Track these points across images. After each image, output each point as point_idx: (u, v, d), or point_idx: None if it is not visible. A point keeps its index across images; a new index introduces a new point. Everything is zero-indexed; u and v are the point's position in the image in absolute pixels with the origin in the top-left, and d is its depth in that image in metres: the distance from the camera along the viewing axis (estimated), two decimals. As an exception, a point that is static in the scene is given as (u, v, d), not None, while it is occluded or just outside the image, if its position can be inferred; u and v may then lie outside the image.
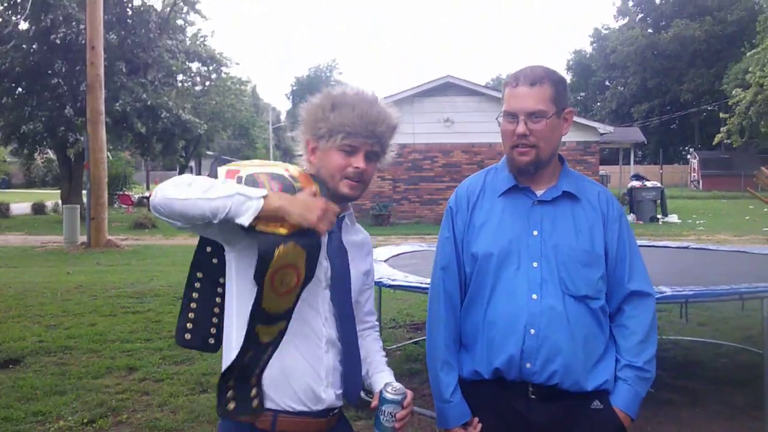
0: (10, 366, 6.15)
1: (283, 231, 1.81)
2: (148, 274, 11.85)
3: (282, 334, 1.94)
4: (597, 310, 2.15)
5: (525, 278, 2.13)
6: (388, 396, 2.02)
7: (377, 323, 2.32)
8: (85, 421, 4.80)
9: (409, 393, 2.06)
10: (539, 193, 2.22)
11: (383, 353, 2.26)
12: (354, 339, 2.10)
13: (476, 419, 2.21)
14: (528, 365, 2.10)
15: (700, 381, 5.70)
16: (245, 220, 1.78)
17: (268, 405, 1.95)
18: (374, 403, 2.07)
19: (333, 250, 2.07)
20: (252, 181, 1.88)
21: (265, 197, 1.80)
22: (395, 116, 2.13)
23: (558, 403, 2.12)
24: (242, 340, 1.88)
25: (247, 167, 1.95)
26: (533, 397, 2.13)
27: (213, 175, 1.94)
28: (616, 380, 2.18)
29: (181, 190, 1.81)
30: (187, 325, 2.10)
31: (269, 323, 1.89)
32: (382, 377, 2.15)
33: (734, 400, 5.23)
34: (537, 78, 2.15)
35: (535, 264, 2.13)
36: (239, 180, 1.88)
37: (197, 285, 2.09)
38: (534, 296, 2.11)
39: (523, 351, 2.10)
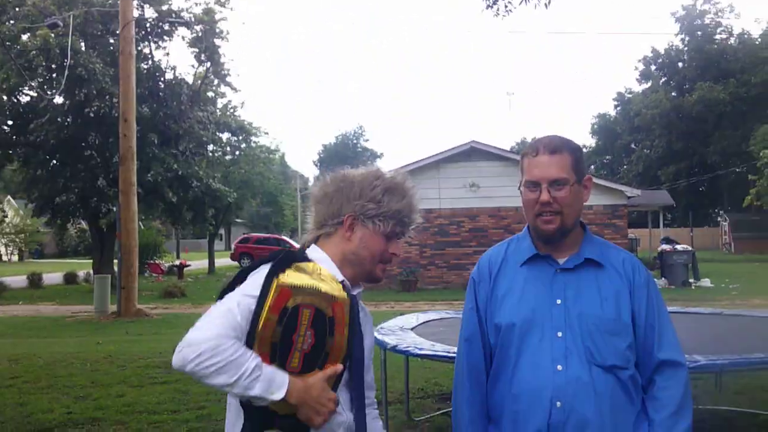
0: (39, 439, 6.15)
1: (279, 410, 1.84)
2: (176, 344, 11.84)
3: None
4: (626, 380, 2.08)
5: (549, 349, 2.09)
6: None
7: (375, 400, 2.24)
8: (112, 496, 4.76)
9: None
10: (561, 261, 2.20)
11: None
12: (364, 423, 2.04)
13: None
14: None
15: (739, 452, 5.53)
16: (255, 402, 1.81)
17: None
18: None
19: (355, 335, 1.98)
20: (293, 319, 1.82)
21: (284, 397, 1.80)
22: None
23: None
24: None
25: (297, 285, 1.84)
26: None
27: (267, 283, 1.84)
28: None
29: (218, 376, 1.76)
30: None
31: None
32: None
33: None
34: (557, 147, 2.17)
35: (559, 334, 2.09)
36: (284, 312, 1.81)
37: None
38: (559, 367, 2.06)
39: (550, 425, 2.03)
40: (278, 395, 1.78)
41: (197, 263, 40.95)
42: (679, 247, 23.79)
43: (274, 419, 1.83)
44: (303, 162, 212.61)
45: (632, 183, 43.02)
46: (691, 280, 22.61)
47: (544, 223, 2.16)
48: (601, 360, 2.06)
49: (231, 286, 1.95)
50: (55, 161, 26.13)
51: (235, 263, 40.11)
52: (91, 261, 29.23)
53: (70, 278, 30.60)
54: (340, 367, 1.90)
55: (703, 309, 7.97)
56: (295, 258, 1.92)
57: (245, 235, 45.47)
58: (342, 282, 1.96)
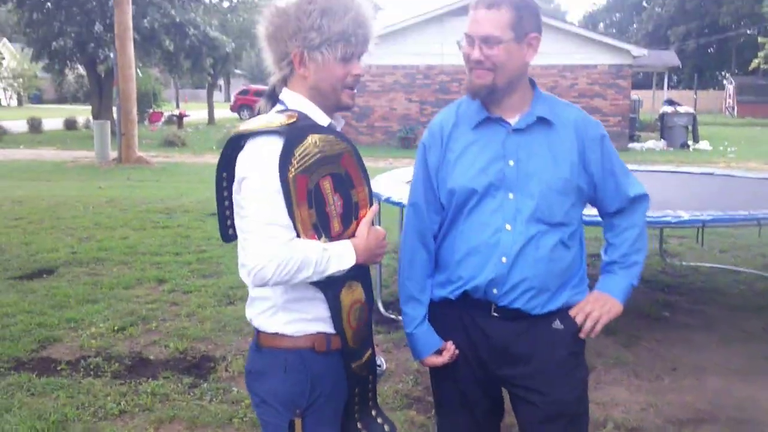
0: (44, 275, 6.40)
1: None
2: (177, 191, 12.05)
3: (372, 361, 2.07)
4: (567, 236, 2.18)
5: (500, 209, 2.15)
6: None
7: None
8: (116, 328, 5.03)
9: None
10: (513, 121, 2.18)
11: None
12: None
13: (450, 345, 2.25)
14: (495, 291, 2.15)
15: (716, 306, 5.77)
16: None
17: (323, 329, 1.96)
18: None
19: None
20: (319, 196, 1.87)
21: (354, 262, 1.91)
22: (372, 5, 2.00)
23: (519, 321, 2.18)
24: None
25: (308, 166, 1.83)
26: (496, 314, 2.18)
27: (283, 179, 1.81)
28: (603, 273, 2.31)
29: (298, 275, 1.83)
30: (227, 222, 2.08)
31: (360, 357, 2.02)
32: None
33: (748, 326, 5.30)
34: (494, 2, 2.09)
35: (510, 195, 2.14)
36: (309, 195, 1.84)
37: (224, 184, 2.04)
38: (508, 227, 2.13)
39: (492, 279, 2.14)
40: (350, 263, 1.89)
41: (196, 113, 40.76)
42: (680, 109, 23.63)
43: (343, 276, 1.93)
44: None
45: (641, 42, 42.05)
46: (690, 143, 22.63)
47: (475, 77, 2.14)
48: (549, 217, 2.14)
49: (227, 159, 1.96)
50: (50, 3, 25.46)
51: (235, 115, 39.93)
52: (90, 107, 29.10)
53: (70, 124, 30.56)
54: (375, 207, 2.00)
55: (694, 169, 8.07)
56: (295, 135, 1.85)
57: (244, 87, 44.96)
58: (329, 126, 1.96)
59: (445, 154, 2.23)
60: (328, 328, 1.94)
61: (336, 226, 1.90)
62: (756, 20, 46.96)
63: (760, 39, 33.22)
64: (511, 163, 2.15)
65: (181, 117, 32.56)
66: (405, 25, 22.46)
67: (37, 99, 56.86)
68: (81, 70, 31.92)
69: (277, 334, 1.93)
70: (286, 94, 1.97)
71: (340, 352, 1.96)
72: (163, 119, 33.10)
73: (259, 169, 1.83)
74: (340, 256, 1.87)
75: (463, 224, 2.20)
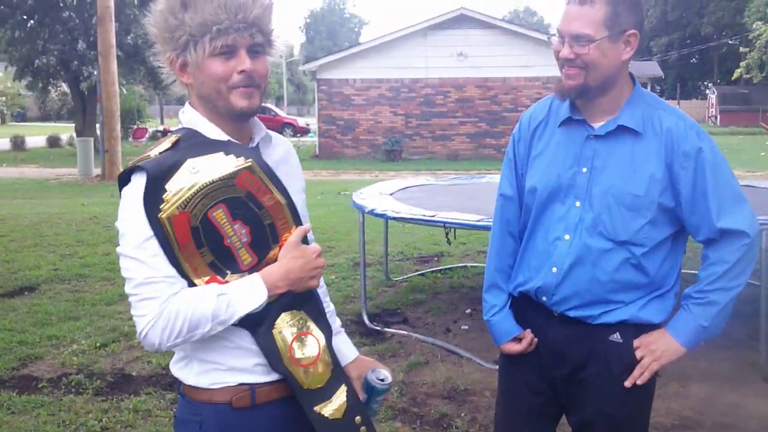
0: (26, 293, 6.34)
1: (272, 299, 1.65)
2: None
3: (356, 403, 1.78)
4: (639, 256, 2.00)
5: (565, 217, 2.05)
6: (379, 386, 1.86)
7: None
8: (98, 344, 4.98)
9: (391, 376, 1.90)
10: (596, 126, 2.03)
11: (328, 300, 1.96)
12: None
13: (529, 333, 2.17)
14: (544, 298, 2.10)
15: (700, 313, 5.77)
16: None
17: (246, 380, 1.67)
18: (362, 395, 1.85)
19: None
20: (210, 230, 1.58)
21: (270, 293, 1.62)
22: None
23: (577, 327, 2.08)
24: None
25: (184, 202, 1.55)
26: (556, 316, 2.11)
27: (153, 224, 1.54)
28: (681, 306, 2.08)
29: (195, 331, 1.56)
30: None
31: (328, 398, 1.73)
32: (340, 340, 1.91)
33: (733, 332, 5.28)
34: None
35: (577, 204, 2.03)
36: (195, 233, 1.56)
37: None
38: (566, 237, 2.04)
39: (540, 287, 2.09)
40: (262, 296, 1.60)
41: (182, 129, 40.58)
42: (664, 119, 23.80)
43: (273, 309, 1.65)
44: (289, 28, 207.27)
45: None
46: (674, 153, 22.77)
47: (565, 78, 1.98)
48: (614, 235, 1.99)
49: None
50: (32, 22, 25.41)
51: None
52: (74, 125, 28.99)
53: (54, 141, 30.45)
54: (305, 227, 1.72)
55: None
56: (164, 167, 1.57)
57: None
58: (228, 143, 1.66)
59: (529, 150, 2.16)
60: (254, 377, 1.67)
61: (246, 257, 1.62)
62: (737, 30, 47.50)
63: (741, 49, 33.51)
64: (584, 170, 2.03)
65: (165, 133, 32.41)
66: (389, 39, 22.59)
67: (21, 117, 56.66)
68: (65, 87, 31.87)
69: (193, 386, 1.68)
70: (184, 109, 1.73)
71: (287, 400, 1.68)
72: (147, 135, 33.02)
73: (123, 218, 1.59)
74: (242, 298, 1.58)
75: (534, 225, 2.14)
